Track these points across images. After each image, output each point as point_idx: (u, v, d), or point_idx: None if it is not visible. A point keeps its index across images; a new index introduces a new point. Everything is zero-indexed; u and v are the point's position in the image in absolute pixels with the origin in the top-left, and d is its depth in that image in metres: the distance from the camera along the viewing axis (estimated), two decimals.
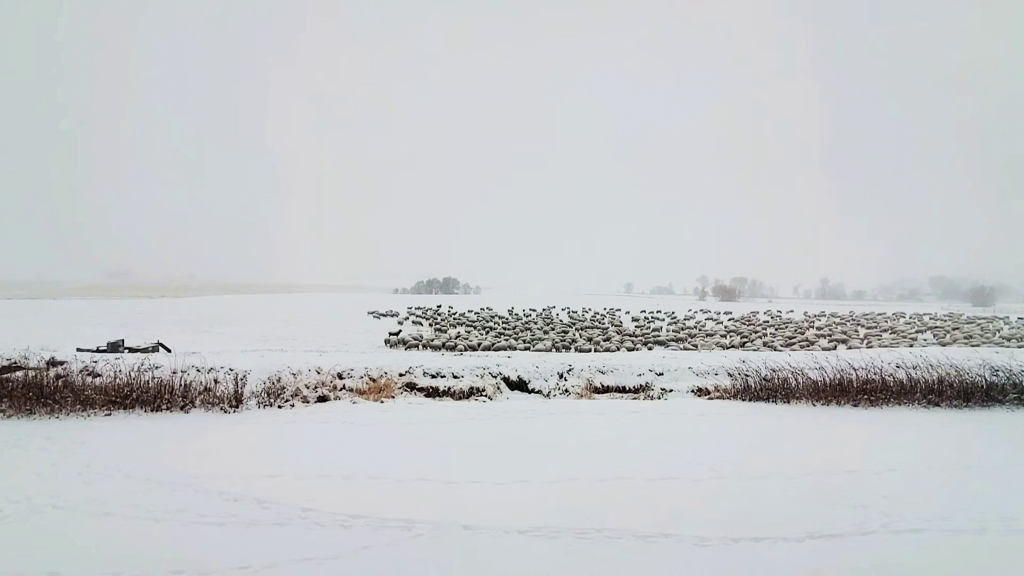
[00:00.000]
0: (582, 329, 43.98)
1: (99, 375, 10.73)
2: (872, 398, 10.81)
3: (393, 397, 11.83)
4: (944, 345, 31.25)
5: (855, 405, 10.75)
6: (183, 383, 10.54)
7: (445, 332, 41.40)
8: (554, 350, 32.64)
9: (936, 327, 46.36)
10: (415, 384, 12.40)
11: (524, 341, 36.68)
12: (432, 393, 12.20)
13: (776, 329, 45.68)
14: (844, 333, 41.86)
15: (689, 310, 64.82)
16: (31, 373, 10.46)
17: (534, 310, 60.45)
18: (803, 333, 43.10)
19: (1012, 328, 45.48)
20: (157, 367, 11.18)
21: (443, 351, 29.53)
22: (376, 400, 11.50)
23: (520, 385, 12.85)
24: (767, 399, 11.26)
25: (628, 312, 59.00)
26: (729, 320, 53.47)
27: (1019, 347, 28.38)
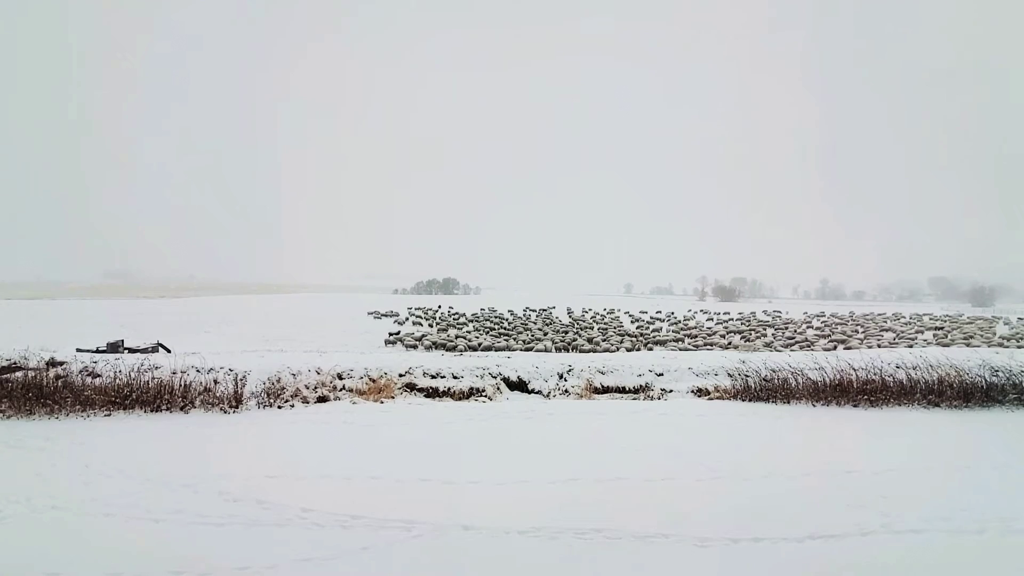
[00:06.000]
0: (582, 329, 43.97)
1: (99, 375, 10.73)
2: (872, 398, 10.80)
3: (393, 397, 11.82)
4: (944, 345, 31.25)
5: (855, 405, 10.75)
6: (183, 383, 10.53)
7: (445, 332, 41.39)
8: (554, 350, 32.64)
9: (936, 327, 46.38)
10: (415, 384, 12.39)
11: (524, 341, 36.67)
12: (432, 393, 12.20)
13: (776, 329, 45.68)
14: (844, 333, 41.85)
15: (689, 310, 64.86)
16: (31, 373, 10.46)
17: (534, 310, 60.44)
18: (803, 333, 43.10)
19: (1012, 328, 45.51)
20: (157, 367, 11.18)
21: (443, 351, 29.52)
22: (376, 400, 11.50)
23: (520, 385, 12.85)
24: (767, 399, 11.25)
25: (628, 312, 58.98)
26: (729, 320, 53.47)
27: (1019, 347, 28.37)
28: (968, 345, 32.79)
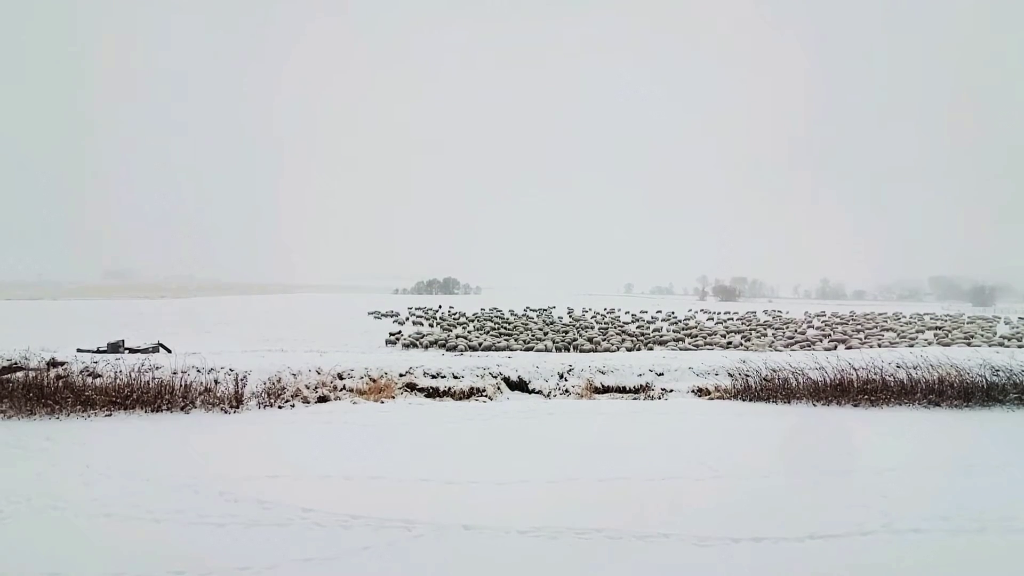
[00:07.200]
0: (582, 329, 44.00)
1: (99, 376, 10.74)
2: (872, 398, 10.80)
3: (393, 397, 11.83)
4: (944, 345, 31.24)
5: (855, 405, 10.74)
6: (183, 383, 10.54)
7: (446, 332, 41.41)
8: (554, 350, 32.64)
9: (936, 327, 46.37)
10: (415, 384, 12.40)
11: (524, 341, 36.68)
12: (432, 393, 12.20)
13: (776, 329, 45.68)
14: (844, 333, 41.86)
15: (689, 310, 64.87)
16: (31, 374, 10.48)
17: (534, 310, 60.46)
18: (803, 333, 43.11)
19: (1012, 328, 45.51)
20: (157, 367, 11.19)
21: (443, 351, 29.55)
22: (376, 400, 11.50)
23: (520, 385, 12.85)
24: (767, 399, 11.25)
25: (628, 312, 59.01)
26: (729, 320, 53.47)
27: (1019, 347, 28.37)
28: (969, 345, 32.78)
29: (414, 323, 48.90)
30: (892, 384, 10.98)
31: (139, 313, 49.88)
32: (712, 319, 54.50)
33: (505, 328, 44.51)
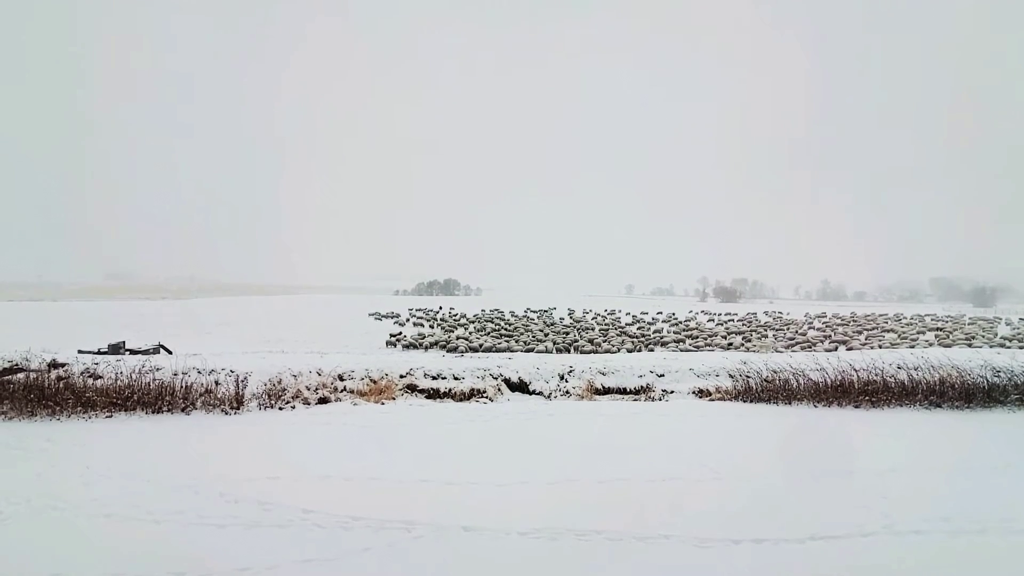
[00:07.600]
0: (583, 330, 43.98)
1: (100, 377, 10.74)
2: (873, 399, 10.79)
3: (394, 399, 11.83)
4: (945, 346, 31.18)
5: (856, 406, 10.73)
6: (184, 385, 10.54)
7: (446, 333, 41.40)
8: (555, 351, 32.62)
9: (937, 328, 46.29)
10: (416, 386, 12.39)
11: (525, 342, 36.65)
12: (433, 395, 12.20)
13: (777, 330, 45.64)
14: (845, 334, 41.82)
15: (690, 311, 64.82)
16: (32, 375, 10.48)
17: (535, 311, 60.44)
18: (804, 334, 43.06)
19: (1013, 329, 45.43)
20: (158, 369, 11.19)
21: (444, 352, 29.53)
22: (377, 402, 11.50)
23: (521, 387, 12.84)
24: (768, 400, 11.24)
25: (629, 313, 58.98)
26: (730, 321, 53.42)
27: (1020, 348, 28.34)
28: (970, 346, 32.74)
29: (415, 324, 48.88)
30: (893, 385, 10.97)
31: (140, 314, 49.89)
32: (713, 320, 54.47)
33: (506, 329, 44.47)
